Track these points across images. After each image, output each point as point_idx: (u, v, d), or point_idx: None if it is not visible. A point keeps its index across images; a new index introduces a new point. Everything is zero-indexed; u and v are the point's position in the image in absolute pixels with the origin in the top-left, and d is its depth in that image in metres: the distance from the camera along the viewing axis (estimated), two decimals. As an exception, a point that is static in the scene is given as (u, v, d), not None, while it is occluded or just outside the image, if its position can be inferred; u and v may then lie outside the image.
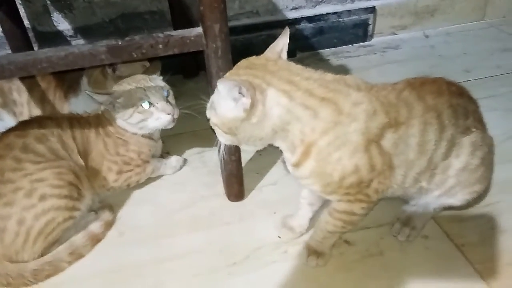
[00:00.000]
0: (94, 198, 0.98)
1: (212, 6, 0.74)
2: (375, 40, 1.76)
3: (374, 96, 0.70)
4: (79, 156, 0.96)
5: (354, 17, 1.71)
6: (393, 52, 1.68)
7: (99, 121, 1.01)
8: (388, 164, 0.71)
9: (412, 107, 0.73)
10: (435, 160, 0.77)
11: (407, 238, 0.89)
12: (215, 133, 0.76)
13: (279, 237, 0.92)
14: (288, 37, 0.74)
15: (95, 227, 0.94)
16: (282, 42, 0.74)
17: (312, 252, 0.85)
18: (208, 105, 0.74)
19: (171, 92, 1.02)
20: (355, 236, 0.90)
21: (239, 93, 0.64)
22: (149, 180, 1.09)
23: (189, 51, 0.79)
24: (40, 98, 1.18)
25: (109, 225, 0.96)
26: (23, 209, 0.82)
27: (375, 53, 1.68)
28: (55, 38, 1.49)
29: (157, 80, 1.02)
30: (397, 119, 0.71)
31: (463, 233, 0.90)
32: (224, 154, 0.88)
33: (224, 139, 0.75)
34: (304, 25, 1.66)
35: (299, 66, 0.71)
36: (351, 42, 1.75)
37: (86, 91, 0.97)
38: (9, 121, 1.22)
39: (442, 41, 1.73)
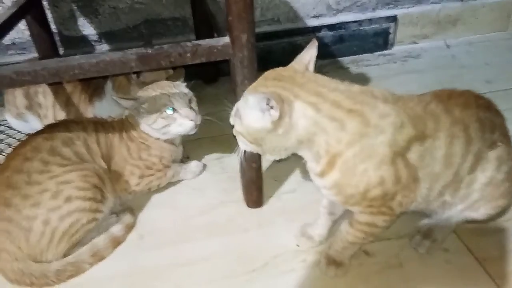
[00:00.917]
0: (116, 201, 1.00)
1: (241, 16, 0.75)
2: (395, 49, 1.76)
3: (401, 108, 0.70)
4: (102, 160, 0.98)
5: (375, 26, 1.70)
6: (414, 61, 1.68)
7: (122, 126, 1.03)
8: (413, 177, 0.71)
9: (439, 119, 0.72)
10: (461, 174, 0.77)
11: (427, 251, 0.89)
12: (236, 140, 0.77)
13: (298, 246, 0.92)
14: (316, 49, 0.74)
15: (116, 229, 0.95)
16: (310, 54, 0.74)
17: (331, 261, 0.85)
18: (233, 112, 0.75)
19: (194, 99, 1.04)
20: (375, 247, 0.90)
21: (267, 104, 0.65)
22: (169, 184, 1.10)
23: (216, 60, 0.80)
24: (65, 101, 1.21)
25: (130, 228, 0.98)
26: (49, 210, 0.84)
27: (395, 62, 1.68)
28: (80, 42, 1.53)
29: (181, 87, 1.04)
30: (424, 131, 0.70)
31: (485, 247, 0.89)
32: (243, 160, 0.89)
33: (247, 147, 0.76)
34: (324, 33, 1.67)
35: (326, 78, 0.71)
36: (371, 51, 1.74)
37: (113, 97, 0.99)
38: (34, 123, 1.25)
39: (463, 51, 1.71)
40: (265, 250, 0.92)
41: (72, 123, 0.99)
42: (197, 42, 0.79)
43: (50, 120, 1.21)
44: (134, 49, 0.77)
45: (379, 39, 1.74)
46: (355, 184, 0.69)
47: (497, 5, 1.77)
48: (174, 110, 0.99)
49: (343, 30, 1.68)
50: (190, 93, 1.04)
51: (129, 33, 1.55)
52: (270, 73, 0.72)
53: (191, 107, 1.01)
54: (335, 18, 1.68)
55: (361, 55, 1.73)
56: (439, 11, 1.73)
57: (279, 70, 0.72)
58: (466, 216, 0.87)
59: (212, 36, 1.46)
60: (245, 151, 0.79)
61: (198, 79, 1.57)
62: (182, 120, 1.00)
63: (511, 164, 0.82)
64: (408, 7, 1.72)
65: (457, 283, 0.83)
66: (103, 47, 1.55)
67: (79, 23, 1.50)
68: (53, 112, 1.22)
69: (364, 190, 0.69)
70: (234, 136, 0.77)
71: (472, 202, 0.82)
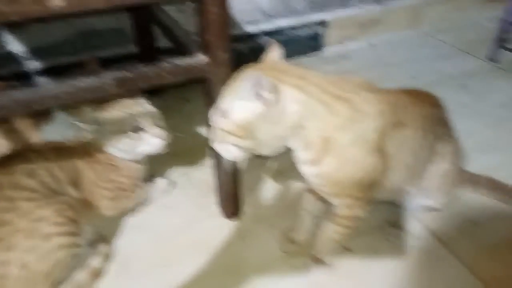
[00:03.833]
0: (89, 229, 0.94)
1: (219, 35, 0.75)
2: (327, 51, 1.87)
3: (381, 96, 0.74)
4: (70, 187, 0.91)
5: (307, 30, 1.80)
6: (345, 62, 1.80)
7: (86, 148, 0.97)
8: (388, 165, 0.77)
9: (408, 110, 0.79)
10: (418, 164, 0.86)
11: (399, 239, 0.97)
12: (212, 150, 0.74)
13: (283, 251, 0.95)
14: (279, 48, 0.74)
15: (94, 262, 0.90)
16: (275, 53, 0.74)
17: (318, 261, 0.90)
18: (214, 114, 0.71)
19: (160, 116, 1.01)
20: (353, 242, 0.95)
21: (259, 87, 0.63)
22: (139, 205, 1.06)
23: (194, 78, 0.80)
24: (7, 128, 1.10)
25: (107, 257, 0.93)
26: (25, 252, 0.77)
27: (329, 64, 1.79)
28: (6, 60, 1.39)
29: (145, 104, 1.00)
30: (400, 119, 0.76)
31: (446, 231, 1.00)
32: (227, 172, 0.88)
33: (234, 152, 0.71)
34: (262, 38, 1.71)
35: (302, 68, 0.72)
36: (305, 53, 1.84)
37: (72, 121, 0.93)
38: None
39: (386, 50, 1.88)
40: (254, 260, 0.93)
41: (29, 152, 0.90)
42: (174, 61, 0.78)
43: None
44: (110, 72, 0.74)
45: (311, 42, 1.84)
46: (347, 169, 0.71)
47: (409, 6, 1.97)
48: (141, 129, 0.96)
49: (278, 35, 1.75)
50: (156, 111, 1.01)
51: (61, 47, 1.44)
52: (245, 67, 0.70)
53: (158, 125, 0.98)
54: (270, 24, 1.73)
55: (297, 57, 1.81)
56: (361, 14, 1.88)
57: (253, 64, 0.71)
58: (423, 204, 0.97)
59: (152, 46, 1.44)
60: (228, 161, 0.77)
61: (144, 92, 1.51)
62: (150, 139, 0.97)
63: (456, 155, 0.94)
64: (334, 11, 1.84)
65: (428, 267, 0.92)
66: (33, 63, 1.43)
67: (2, 39, 1.37)
68: (-9, 141, 1.10)
69: (355, 177, 0.72)
70: (212, 149, 0.74)
71: (425, 189, 0.92)
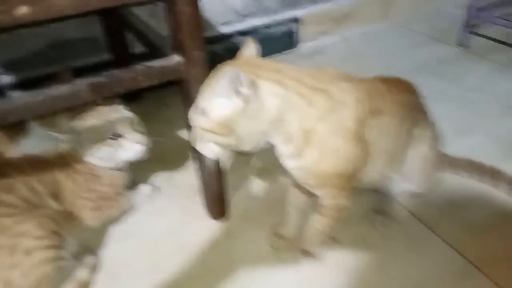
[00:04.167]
0: (74, 242, 0.92)
1: (192, 34, 0.75)
2: (301, 47, 1.88)
3: (357, 85, 0.75)
4: (51, 200, 0.89)
5: (281, 27, 1.81)
6: (321, 56, 1.82)
7: (64, 159, 0.95)
8: (368, 152, 0.77)
9: (385, 98, 0.80)
10: (398, 150, 0.87)
11: (385, 226, 0.99)
12: (195, 152, 0.73)
13: (272, 247, 0.96)
14: (255, 44, 0.74)
15: (81, 274, 0.89)
16: (250, 50, 0.74)
17: (307, 254, 0.91)
18: (193, 113, 0.70)
19: (138, 121, 1.00)
20: (340, 232, 0.96)
21: (236, 83, 0.63)
22: (124, 213, 1.05)
23: (170, 79, 0.79)
24: (-19, 145, 1.07)
25: (95, 268, 0.92)
26: (7, 268, 0.75)
27: (305, 59, 1.80)
28: (-24, 76, 1.36)
29: (122, 110, 0.99)
30: (377, 106, 0.77)
31: (427, 212, 1.02)
32: (212, 171, 0.88)
33: (215, 150, 0.71)
34: (237, 38, 1.72)
35: (278, 62, 0.72)
36: (280, 50, 1.85)
37: (49, 133, 0.91)
38: None
39: (360, 43, 1.91)
40: (244, 258, 0.93)
41: (6, 167, 0.88)
42: (148, 63, 0.77)
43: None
44: (83, 78, 0.73)
45: (286, 39, 1.85)
46: (329, 160, 0.72)
47: (378, -1, 2.01)
48: (119, 136, 0.95)
49: (253, 34, 1.75)
50: (133, 116, 1.00)
51: (34, 59, 1.41)
52: (221, 65, 0.69)
53: (137, 131, 0.97)
54: (244, 23, 1.74)
55: (273, 55, 1.82)
56: (334, 9, 1.90)
57: (229, 62, 0.71)
58: (405, 189, 0.99)
59: (127, 53, 1.43)
60: (210, 160, 0.76)
61: (121, 98, 1.50)
62: (129, 145, 0.96)
63: (434, 139, 0.96)
64: (306, 7, 1.86)
65: (416, 250, 0.94)
66: (5, 78, 1.40)
67: (-29, 55, 1.34)
68: (-35, 160, 1.07)
69: (337, 167, 0.73)
70: (193, 149, 0.73)
71: (407, 175, 0.93)
